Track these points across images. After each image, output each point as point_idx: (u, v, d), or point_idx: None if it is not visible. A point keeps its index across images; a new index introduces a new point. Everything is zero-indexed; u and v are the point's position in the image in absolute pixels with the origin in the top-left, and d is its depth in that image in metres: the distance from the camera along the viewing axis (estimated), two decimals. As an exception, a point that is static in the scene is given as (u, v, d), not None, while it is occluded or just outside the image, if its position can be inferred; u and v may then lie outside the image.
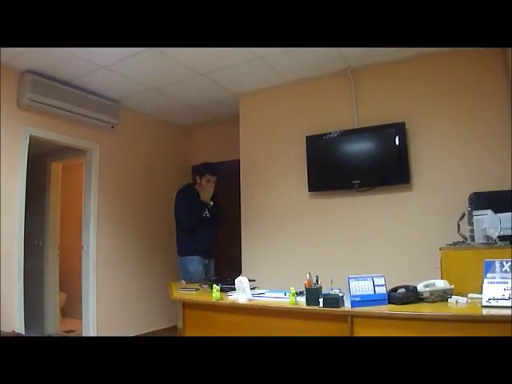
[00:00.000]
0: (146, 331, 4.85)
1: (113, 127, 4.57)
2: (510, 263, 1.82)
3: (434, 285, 2.09)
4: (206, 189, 3.79)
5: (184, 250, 3.81)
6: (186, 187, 3.98)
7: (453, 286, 2.08)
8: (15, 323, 3.52)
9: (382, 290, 2.05)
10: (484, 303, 1.81)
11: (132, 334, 4.66)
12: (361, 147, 3.85)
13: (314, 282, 2.16)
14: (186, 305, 2.64)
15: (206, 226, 3.82)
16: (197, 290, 2.85)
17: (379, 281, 2.07)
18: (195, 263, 3.72)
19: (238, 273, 2.70)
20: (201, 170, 3.95)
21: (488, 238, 2.43)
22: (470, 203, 2.91)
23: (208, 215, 3.85)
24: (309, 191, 4.02)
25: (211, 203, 3.85)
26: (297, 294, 2.23)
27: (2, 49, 3.23)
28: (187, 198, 3.82)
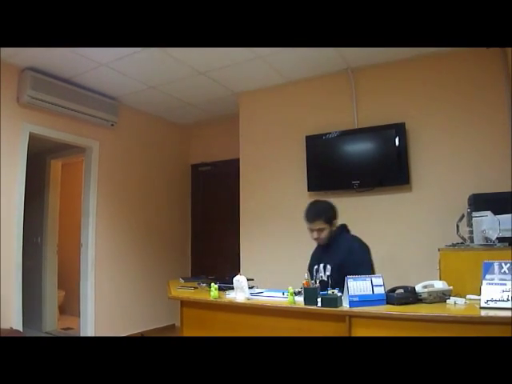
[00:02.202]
0: (144, 329, 4.86)
1: (112, 125, 4.57)
2: (508, 265, 1.82)
3: (432, 286, 2.09)
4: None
5: None
6: None
7: (451, 287, 2.07)
8: (13, 320, 3.52)
9: (380, 291, 2.05)
10: (482, 304, 1.81)
11: (130, 332, 4.67)
12: (360, 148, 3.85)
13: (313, 281, 2.16)
14: (184, 303, 2.64)
15: None
16: (195, 288, 2.85)
17: (377, 281, 2.06)
18: None
19: (237, 271, 2.69)
20: None
21: (487, 239, 2.44)
22: (469, 204, 2.90)
23: (325, 279, 2.49)
24: (308, 191, 4.01)
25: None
26: (295, 293, 2.23)
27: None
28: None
